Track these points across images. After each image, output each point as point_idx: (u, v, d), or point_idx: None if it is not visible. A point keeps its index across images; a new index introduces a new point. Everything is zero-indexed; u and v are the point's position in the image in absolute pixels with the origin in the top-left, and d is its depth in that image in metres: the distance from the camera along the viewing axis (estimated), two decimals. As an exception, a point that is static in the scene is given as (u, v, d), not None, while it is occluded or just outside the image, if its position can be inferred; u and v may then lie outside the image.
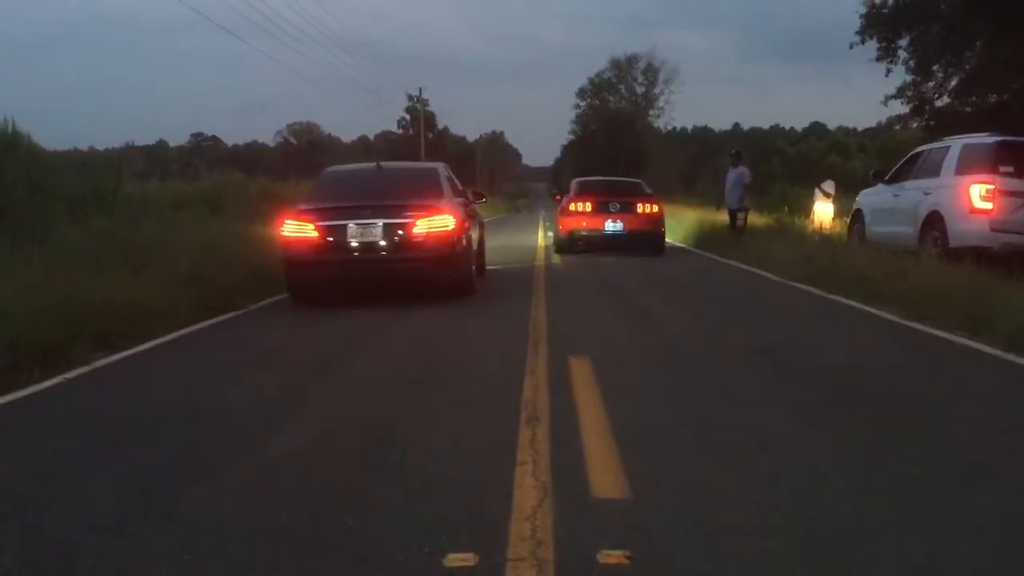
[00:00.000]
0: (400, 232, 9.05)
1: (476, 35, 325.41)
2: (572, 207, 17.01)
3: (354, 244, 9.01)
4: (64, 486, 3.61)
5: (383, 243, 9.04)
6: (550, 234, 20.64)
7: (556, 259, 16.04)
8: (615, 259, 15.30)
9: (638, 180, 20.94)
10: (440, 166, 11.37)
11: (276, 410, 4.89)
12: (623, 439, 4.09)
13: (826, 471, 3.69)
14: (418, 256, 9.08)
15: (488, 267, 12.71)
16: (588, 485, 3.49)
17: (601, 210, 16.65)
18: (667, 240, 17.80)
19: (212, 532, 3.07)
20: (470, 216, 10.74)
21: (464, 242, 9.68)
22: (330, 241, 9.00)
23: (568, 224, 16.94)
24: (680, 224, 21.98)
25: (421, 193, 9.69)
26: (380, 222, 9.02)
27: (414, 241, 9.06)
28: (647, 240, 16.56)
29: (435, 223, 9.16)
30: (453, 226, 9.28)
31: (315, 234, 8.99)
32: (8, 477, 3.78)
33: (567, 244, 16.98)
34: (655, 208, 17.00)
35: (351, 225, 8.98)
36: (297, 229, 9.09)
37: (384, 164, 11.53)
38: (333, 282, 9.33)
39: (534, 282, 11.74)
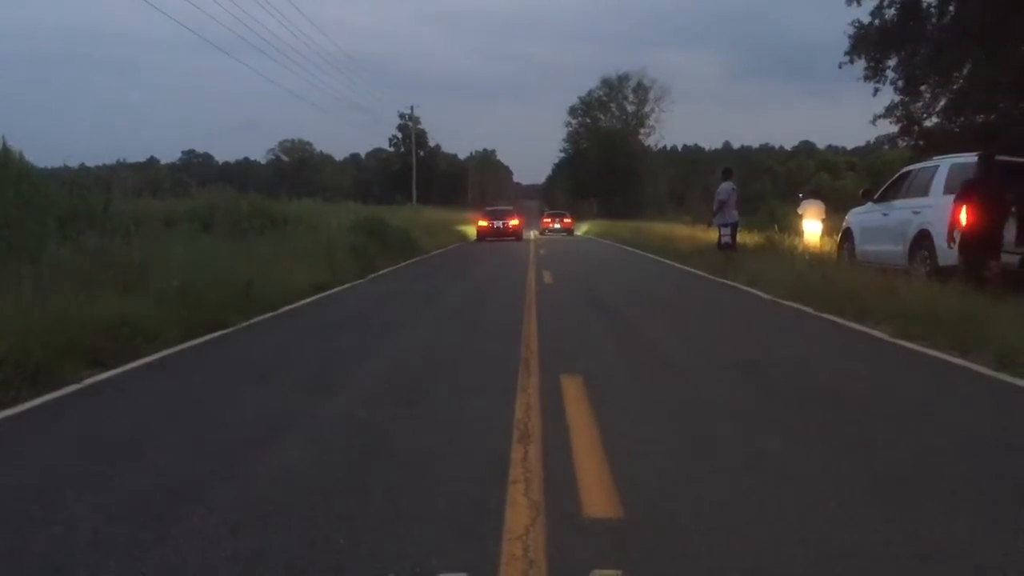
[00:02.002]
0: (506, 223, 38.52)
1: (468, 54, 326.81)
2: (544, 220, 53.93)
3: (496, 226, 38.36)
4: (52, 505, 3.57)
5: (502, 227, 38.29)
6: (535, 232, 49.40)
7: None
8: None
9: (566, 211, 56.94)
10: (512, 207, 45.60)
11: (266, 428, 4.88)
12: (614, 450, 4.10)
13: (818, 491, 3.69)
14: (510, 230, 38.19)
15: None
16: (580, 504, 3.49)
17: (552, 220, 52.26)
18: (657, 258, 23.08)
19: (201, 553, 3.04)
20: (522, 220, 41.53)
21: (520, 227, 40.06)
22: (490, 225, 38.70)
23: (542, 225, 52.14)
24: (668, 242, 24.95)
25: (511, 213, 40.64)
26: (502, 220, 38.92)
27: (509, 226, 38.32)
28: (566, 232, 49.36)
29: (514, 222, 38.99)
30: (518, 223, 39.54)
31: (486, 224, 38.93)
32: (-4, 497, 3.75)
33: (540, 232, 49.06)
34: (569, 220, 52.24)
35: (495, 220, 39.12)
36: (481, 221, 39.94)
37: (501, 206, 46.41)
38: (489, 236, 37.76)
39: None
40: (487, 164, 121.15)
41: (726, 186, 17.02)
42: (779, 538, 3.13)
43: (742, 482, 3.80)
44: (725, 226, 17.01)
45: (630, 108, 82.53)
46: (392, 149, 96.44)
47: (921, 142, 20.86)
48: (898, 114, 21.39)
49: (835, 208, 20.71)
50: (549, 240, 39.24)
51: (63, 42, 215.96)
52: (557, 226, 50.22)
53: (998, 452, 4.35)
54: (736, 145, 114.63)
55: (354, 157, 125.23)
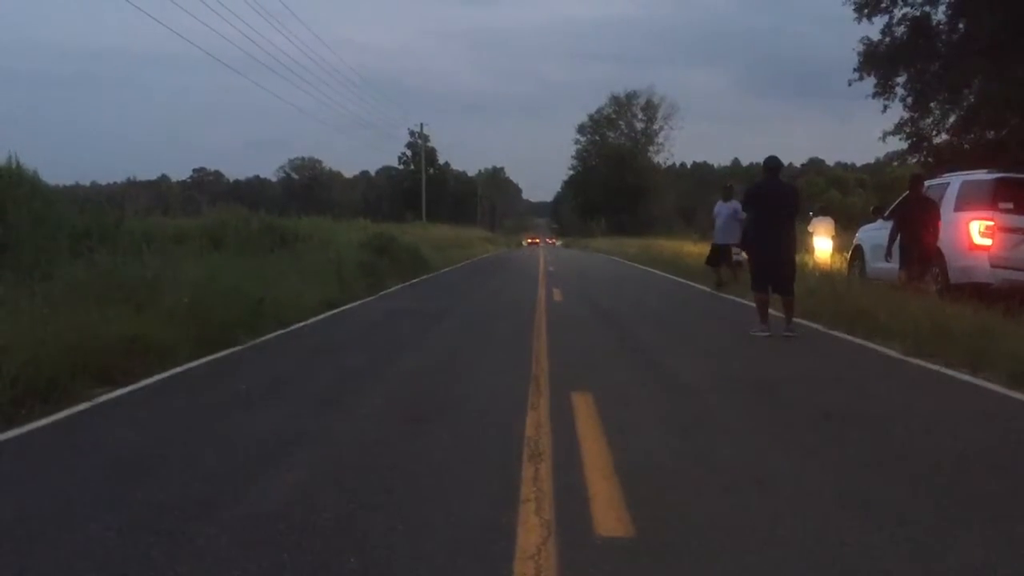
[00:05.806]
0: (535, 241, 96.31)
1: (477, 71, 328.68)
2: (547, 239, 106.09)
3: (531, 242, 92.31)
4: (64, 523, 3.58)
5: (533, 243, 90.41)
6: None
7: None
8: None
9: (555, 236, 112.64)
10: (536, 234, 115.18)
11: (277, 445, 4.87)
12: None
13: (829, 509, 3.67)
14: (538, 243, 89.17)
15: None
16: (592, 522, 3.48)
17: (552, 237, 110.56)
18: (665, 274, 23.55)
19: (213, 572, 3.04)
20: (541, 239, 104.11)
21: (540, 242, 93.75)
22: (533, 243, 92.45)
23: (547, 241, 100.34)
24: (677, 258, 25.81)
25: (536, 236, 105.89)
26: (533, 240, 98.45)
27: (536, 242, 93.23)
28: (553, 244, 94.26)
29: (536, 240, 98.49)
30: (538, 240, 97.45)
31: (530, 242, 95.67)
32: (8, 513, 3.74)
33: (544, 243, 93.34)
34: (555, 239, 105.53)
35: (532, 239, 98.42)
36: (528, 240, 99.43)
37: (533, 233, 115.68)
38: (529, 244, 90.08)
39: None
40: (496, 181, 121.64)
41: (723, 207, 17.10)
42: (791, 558, 3.10)
43: (754, 501, 3.78)
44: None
45: (639, 125, 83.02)
46: (402, 167, 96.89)
47: (931, 159, 20.84)
48: (908, 131, 21.40)
49: (845, 225, 20.69)
50: (557, 256, 45.68)
51: (76, 61, 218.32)
52: (550, 242, 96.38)
53: (1012, 469, 4.32)
54: (745, 162, 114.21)
55: (364, 174, 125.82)
